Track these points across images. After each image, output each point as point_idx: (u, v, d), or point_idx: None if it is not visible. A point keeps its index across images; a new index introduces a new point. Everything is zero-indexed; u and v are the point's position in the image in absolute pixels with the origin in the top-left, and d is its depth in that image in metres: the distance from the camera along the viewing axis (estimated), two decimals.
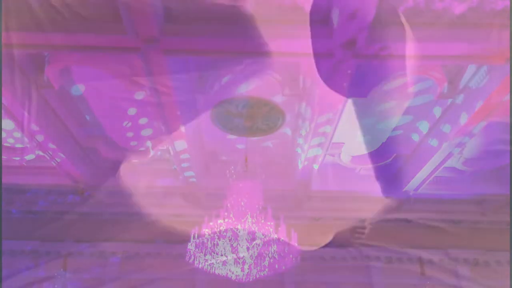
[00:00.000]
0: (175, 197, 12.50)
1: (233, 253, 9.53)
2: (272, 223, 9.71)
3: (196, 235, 9.81)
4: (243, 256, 9.53)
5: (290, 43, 7.31)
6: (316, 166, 11.01)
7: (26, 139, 10.23)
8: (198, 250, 9.65)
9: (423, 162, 10.69)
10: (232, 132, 10.54)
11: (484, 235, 12.37)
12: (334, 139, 10.05)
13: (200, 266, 9.73)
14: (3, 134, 10.04)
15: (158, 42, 7.24)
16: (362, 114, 9.49)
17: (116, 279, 12.69)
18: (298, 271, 12.01)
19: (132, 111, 9.78)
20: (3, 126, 9.59)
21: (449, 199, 12.21)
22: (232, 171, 10.19)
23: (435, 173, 11.02)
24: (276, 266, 9.69)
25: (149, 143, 10.90)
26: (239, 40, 7.32)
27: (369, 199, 12.21)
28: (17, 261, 12.60)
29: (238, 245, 9.50)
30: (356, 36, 6.95)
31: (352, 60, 7.43)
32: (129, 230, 12.56)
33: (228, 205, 9.85)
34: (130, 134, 10.64)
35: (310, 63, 7.84)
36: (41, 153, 10.63)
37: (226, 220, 9.67)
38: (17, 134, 10.23)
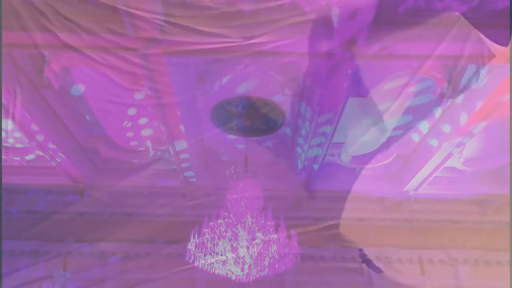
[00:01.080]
0: (175, 197, 12.53)
1: (233, 253, 9.57)
2: (272, 223, 9.73)
3: (196, 235, 9.86)
4: (243, 256, 9.57)
5: (290, 43, 7.25)
6: (316, 166, 11.00)
7: (26, 139, 10.28)
8: (198, 250, 9.72)
9: (423, 162, 10.73)
10: (232, 132, 10.57)
11: (484, 235, 12.37)
12: (334, 139, 10.05)
13: (200, 266, 9.78)
14: (3, 134, 10.01)
15: (158, 42, 7.22)
16: (362, 114, 9.53)
17: (116, 279, 12.69)
18: (298, 271, 12.04)
19: (132, 111, 9.79)
20: (3, 126, 9.57)
21: (449, 199, 12.23)
22: (232, 171, 10.19)
23: (435, 173, 11.04)
24: (276, 266, 9.72)
25: (149, 143, 10.94)
26: (240, 40, 7.29)
27: (369, 199, 12.26)
28: (17, 261, 12.60)
29: (238, 245, 9.54)
30: (356, 36, 6.96)
31: (352, 60, 7.43)
32: (129, 230, 12.57)
33: (228, 205, 9.87)
34: (130, 134, 10.67)
35: (310, 63, 7.90)
36: (41, 153, 10.65)
37: (226, 220, 9.72)
38: (17, 134, 10.23)
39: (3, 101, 8.39)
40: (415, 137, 10.48)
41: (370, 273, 12.78)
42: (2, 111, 8.64)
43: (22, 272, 12.59)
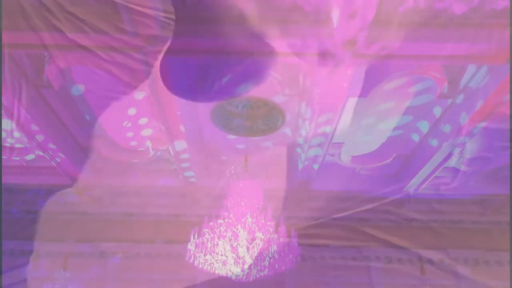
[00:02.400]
0: (175, 197, 12.53)
1: (233, 253, 9.61)
2: (272, 223, 9.81)
3: (196, 235, 9.94)
4: (243, 256, 9.60)
5: (291, 43, 7.28)
6: (316, 166, 11.04)
7: (26, 139, 10.28)
8: (198, 250, 9.79)
9: (423, 162, 10.73)
10: (232, 132, 10.54)
11: (484, 235, 12.39)
12: (334, 139, 10.05)
13: (200, 266, 9.81)
14: (3, 134, 10.02)
15: (159, 41, 7.24)
16: (362, 114, 9.50)
17: (116, 279, 12.70)
18: (298, 271, 12.06)
19: (132, 111, 9.80)
20: (3, 126, 9.59)
21: (449, 199, 12.24)
22: (232, 171, 10.26)
23: (435, 173, 11.03)
24: (276, 266, 9.77)
25: (149, 143, 10.92)
26: (240, 40, 7.30)
27: (369, 199, 12.25)
28: (17, 261, 12.62)
29: (238, 245, 9.58)
30: (356, 36, 6.94)
31: (352, 60, 7.41)
32: (129, 230, 12.59)
33: (228, 205, 9.96)
34: (130, 134, 10.67)
35: (310, 63, 7.88)
36: (41, 153, 10.68)
37: (226, 220, 9.80)
38: (17, 134, 10.24)
39: (3, 101, 8.41)
40: (415, 137, 10.50)
41: (370, 273, 12.84)
42: (2, 111, 8.65)
43: (22, 272, 12.63)
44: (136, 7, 6.62)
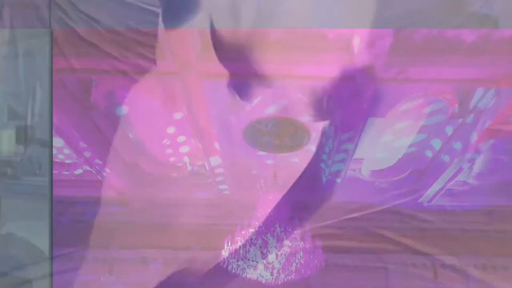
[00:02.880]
0: (210, 208, 12.73)
1: (263, 259, 10.28)
2: (298, 232, 10.46)
3: (229, 243, 10.59)
4: (272, 262, 10.26)
5: (316, 68, 8.02)
6: (338, 180, 11.51)
7: (74, 155, 10.92)
8: (231, 256, 10.45)
9: (436, 176, 11.15)
10: (262, 149, 10.93)
11: (491, 242, 12.54)
12: (355, 155, 10.54)
13: (233, 271, 10.45)
14: (54, 151, 10.51)
15: (196, 66, 8.00)
16: (380, 132, 9.99)
17: (157, 282, 12.94)
18: (322, 276, 12.30)
19: (171, 129, 10.28)
20: (54, 144, 10.18)
21: (460, 210, 12.50)
22: (262, 185, 10.96)
23: (447, 186, 11.47)
24: (302, 271, 10.35)
25: (186, 159, 11.34)
26: (270, 66, 8.05)
27: (386, 210, 12.47)
28: (67, 266, 12.91)
29: (268, 252, 10.26)
30: (375, 61, 7.68)
31: (371, 84, 8.12)
32: (168, 238, 12.72)
33: (259, 215, 10.56)
34: (169, 151, 11.10)
35: (333, 86, 8.51)
36: (88, 168, 11.32)
37: (256, 229, 10.42)
38: (67, 151, 10.83)
39: (55, 120, 9.19)
40: (429, 153, 10.85)
41: (388, 278, 13.06)
42: (53, 130, 9.41)
43: (71, 276, 12.91)
44: (175, 33, 7.32)
